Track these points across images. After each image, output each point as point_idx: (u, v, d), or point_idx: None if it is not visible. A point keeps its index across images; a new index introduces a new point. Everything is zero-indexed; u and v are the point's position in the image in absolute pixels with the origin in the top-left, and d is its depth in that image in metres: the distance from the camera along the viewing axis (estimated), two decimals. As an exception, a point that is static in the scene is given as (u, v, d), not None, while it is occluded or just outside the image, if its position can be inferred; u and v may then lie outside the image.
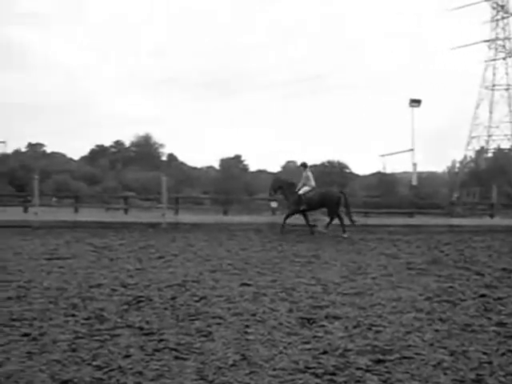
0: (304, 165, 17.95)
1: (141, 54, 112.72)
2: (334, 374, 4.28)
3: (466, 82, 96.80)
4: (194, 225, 19.33)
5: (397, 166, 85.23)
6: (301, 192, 17.16)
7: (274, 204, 21.49)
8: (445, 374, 4.33)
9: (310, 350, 4.87)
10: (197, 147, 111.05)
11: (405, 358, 4.67)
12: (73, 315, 5.99)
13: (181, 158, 72.69)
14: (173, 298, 6.89)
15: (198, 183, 57.47)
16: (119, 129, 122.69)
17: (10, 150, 63.71)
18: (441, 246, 14.24)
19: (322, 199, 17.05)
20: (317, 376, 4.25)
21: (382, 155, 52.12)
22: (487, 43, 63.40)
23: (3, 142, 59.77)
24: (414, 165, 42.33)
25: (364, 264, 10.25)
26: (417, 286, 8.03)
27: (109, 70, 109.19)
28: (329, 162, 58.19)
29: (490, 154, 60.20)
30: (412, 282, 8.38)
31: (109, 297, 6.99)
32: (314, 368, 4.40)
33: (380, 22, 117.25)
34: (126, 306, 6.46)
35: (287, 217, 17.40)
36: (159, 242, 14.01)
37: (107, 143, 75.80)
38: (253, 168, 67.66)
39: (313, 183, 17.47)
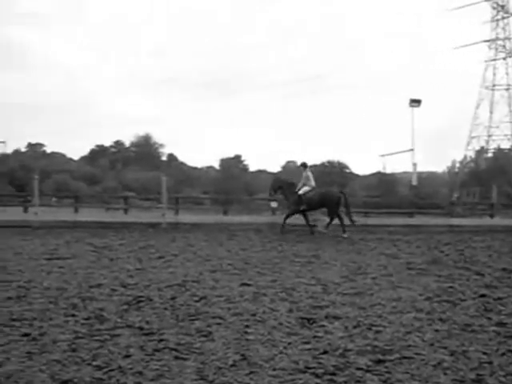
0: (304, 165, 17.94)
1: (141, 54, 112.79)
2: (334, 374, 4.28)
3: (466, 82, 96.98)
4: (194, 225, 19.33)
5: (397, 166, 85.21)
6: (301, 192, 17.15)
7: (274, 204, 21.49)
8: (445, 374, 4.33)
9: (310, 350, 4.87)
10: (197, 147, 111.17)
11: (405, 358, 4.67)
12: (73, 315, 5.99)
13: (181, 158, 72.73)
14: (173, 298, 6.89)
15: (197, 183, 57.48)
16: (119, 129, 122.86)
17: (9, 150, 63.66)
18: (441, 246, 14.24)
19: (322, 199, 17.04)
20: (317, 376, 4.25)
21: (382, 155, 52.13)
22: (487, 43, 63.40)
23: (3, 142, 59.77)
24: (414, 165, 42.34)
25: (364, 264, 10.25)
26: (417, 286, 8.02)
27: (109, 70, 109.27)
28: (329, 162, 58.20)
29: (490, 154, 60.19)
30: (412, 282, 8.38)
31: (109, 297, 6.99)
32: (314, 368, 4.40)
33: (380, 22, 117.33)
34: (125, 306, 6.46)
35: (287, 217, 17.39)
36: (159, 242, 14.01)
37: (107, 143, 75.82)
38: (253, 168, 67.70)
39: (313, 183, 17.47)
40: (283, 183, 18.03)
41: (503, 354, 4.82)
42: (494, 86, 62.38)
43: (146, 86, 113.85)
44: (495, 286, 8.20)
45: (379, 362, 4.57)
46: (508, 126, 62.43)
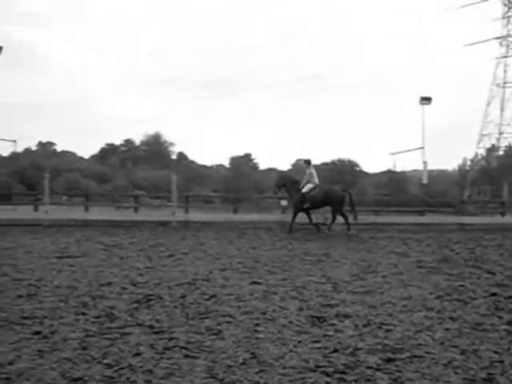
0: (308, 162, 17.90)
1: (141, 54, 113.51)
2: (344, 373, 4.27)
3: (473, 79, 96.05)
4: (203, 223, 19.36)
5: (407, 164, 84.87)
6: (304, 190, 17.09)
7: (284, 202, 21.46)
8: (455, 372, 4.31)
9: (320, 348, 4.86)
10: (196, 147, 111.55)
11: (415, 356, 4.65)
12: (83, 313, 6.01)
13: (190, 156, 72.92)
14: (183, 297, 6.90)
15: (207, 181, 57.66)
16: (119, 129, 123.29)
17: (19, 148, 64.00)
18: (451, 244, 14.17)
19: (326, 197, 16.97)
20: (327, 375, 4.24)
21: (393, 153, 51.96)
22: (498, 40, 62.92)
23: (14, 141, 60.03)
24: (425, 163, 42.18)
25: (374, 262, 10.22)
26: (427, 284, 7.99)
27: (109, 70, 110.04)
28: (339, 160, 58.18)
29: (500, 152, 59.81)
30: (422, 280, 8.34)
31: (119, 295, 7.00)
32: (324, 367, 4.39)
33: (380, 22, 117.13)
34: (136, 305, 6.47)
35: (294, 215, 17.37)
36: (169, 240, 14.04)
37: (117, 142, 76.15)
38: (263, 166, 67.75)
39: (316, 180, 17.40)
40: (287, 180, 17.97)
41: (514, 353, 4.79)
42: (505, 83, 61.90)
43: (146, 85, 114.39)
44: (506, 284, 8.14)
45: (389, 360, 4.55)
46: (519, 124, 61.98)
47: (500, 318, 6.06)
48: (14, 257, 10.34)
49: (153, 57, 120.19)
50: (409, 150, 47.83)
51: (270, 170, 62.68)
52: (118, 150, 74.98)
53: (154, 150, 73.84)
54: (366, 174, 59.81)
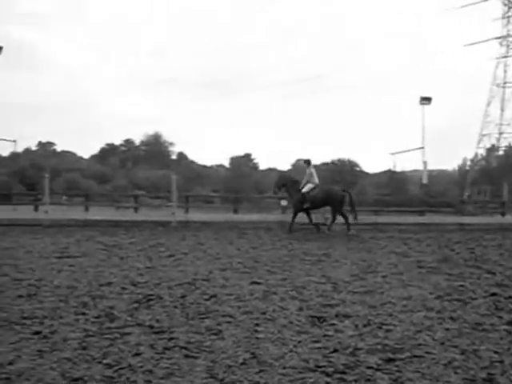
0: (308, 162, 17.90)
1: (141, 54, 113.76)
2: (344, 373, 4.27)
3: (475, 79, 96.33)
4: (203, 223, 19.34)
5: (407, 164, 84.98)
6: (304, 190, 17.09)
7: (284, 202, 21.47)
8: (455, 373, 4.31)
9: (320, 348, 4.86)
10: (196, 147, 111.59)
11: (415, 356, 4.65)
12: (83, 313, 6.01)
13: (190, 156, 72.93)
14: (183, 297, 6.90)
15: (207, 181, 57.66)
16: (119, 129, 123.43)
17: (20, 148, 64.02)
18: (451, 244, 14.17)
19: (326, 197, 16.97)
20: (327, 375, 4.24)
21: (393, 153, 51.96)
22: (498, 40, 62.89)
23: (14, 141, 60.03)
24: (425, 163, 42.18)
25: (374, 262, 10.21)
26: (427, 284, 7.98)
27: (109, 70, 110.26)
28: (339, 161, 58.18)
29: (500, 152, 59.84)
30: (422, 280, 8.34)
31: (119, 295, 7.00)
32: (324, 367, 4.39)
33: (380, 22, 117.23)
34: (136, 305, 6.47)
35: (294, 216, 17.36)
36: (169, 240, 14.04)
37: (117, 142, 76.16)
38: (263, 166, 67.74)
39: (316, 180, 17.39)
40: (287, 180, 17.96)
41: (515, 353, 4.79)
42: (505, 83, 61.87)
43: (146, 85, 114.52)
44: (506, 284, 8.14)
45: (389, 360, 4.55)
46: (519, 124, 61.98)
47: (500, 317, 6.06)
48: (14, 257, 10.34)
49: (153, 57, 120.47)
50: (409, 150, 47.90)
51: (270, 169, 62.70)
52: (118, 150, 75.01)
53: (154, 149, 73.87)
54: (366, 174, 59.84)
